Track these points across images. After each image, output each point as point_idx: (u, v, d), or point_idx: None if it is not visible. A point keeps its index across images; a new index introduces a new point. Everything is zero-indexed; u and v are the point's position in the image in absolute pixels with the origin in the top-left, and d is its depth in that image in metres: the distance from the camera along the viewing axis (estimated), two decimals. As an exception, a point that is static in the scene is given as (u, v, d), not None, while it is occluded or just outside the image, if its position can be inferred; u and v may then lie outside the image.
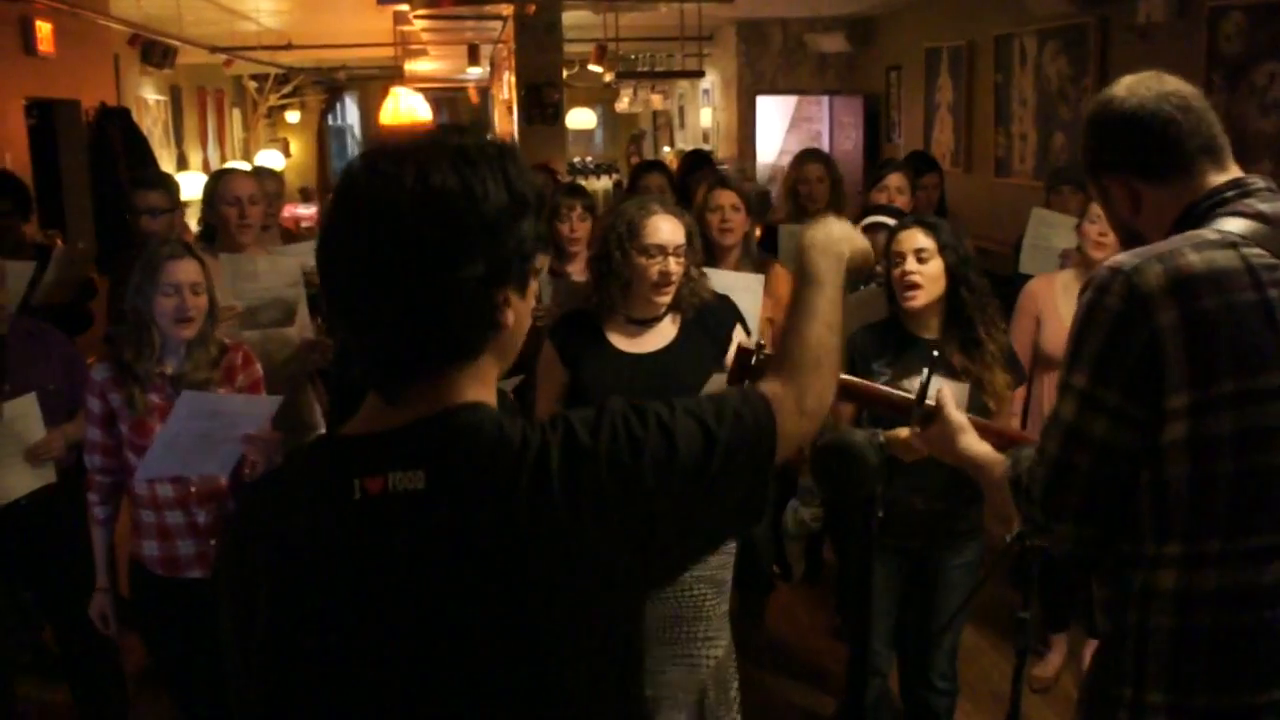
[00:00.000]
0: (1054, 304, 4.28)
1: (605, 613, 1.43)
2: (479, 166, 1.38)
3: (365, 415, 1.45)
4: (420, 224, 1.34)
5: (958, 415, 2.29)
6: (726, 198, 4.50)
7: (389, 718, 1.39)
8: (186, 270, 3.30)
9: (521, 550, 1.36)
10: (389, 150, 1.39)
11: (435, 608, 1.36)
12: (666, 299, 3.35)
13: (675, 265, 3.31)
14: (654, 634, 3.31)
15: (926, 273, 3.40)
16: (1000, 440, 2.28)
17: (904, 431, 2.41)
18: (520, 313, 1.45)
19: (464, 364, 1.42)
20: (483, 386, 1.45)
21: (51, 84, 8.30)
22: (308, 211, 12.51)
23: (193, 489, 3.33)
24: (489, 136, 1.45)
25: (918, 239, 3.42)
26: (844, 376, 2.48)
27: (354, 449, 1.42)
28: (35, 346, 3.94)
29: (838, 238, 1.80)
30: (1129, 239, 2.08)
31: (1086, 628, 4.55)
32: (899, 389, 3.27)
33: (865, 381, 2.57)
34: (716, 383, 3.39)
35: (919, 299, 3.41)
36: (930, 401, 2.30)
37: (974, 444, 2.26)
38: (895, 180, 5.21)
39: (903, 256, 3.42)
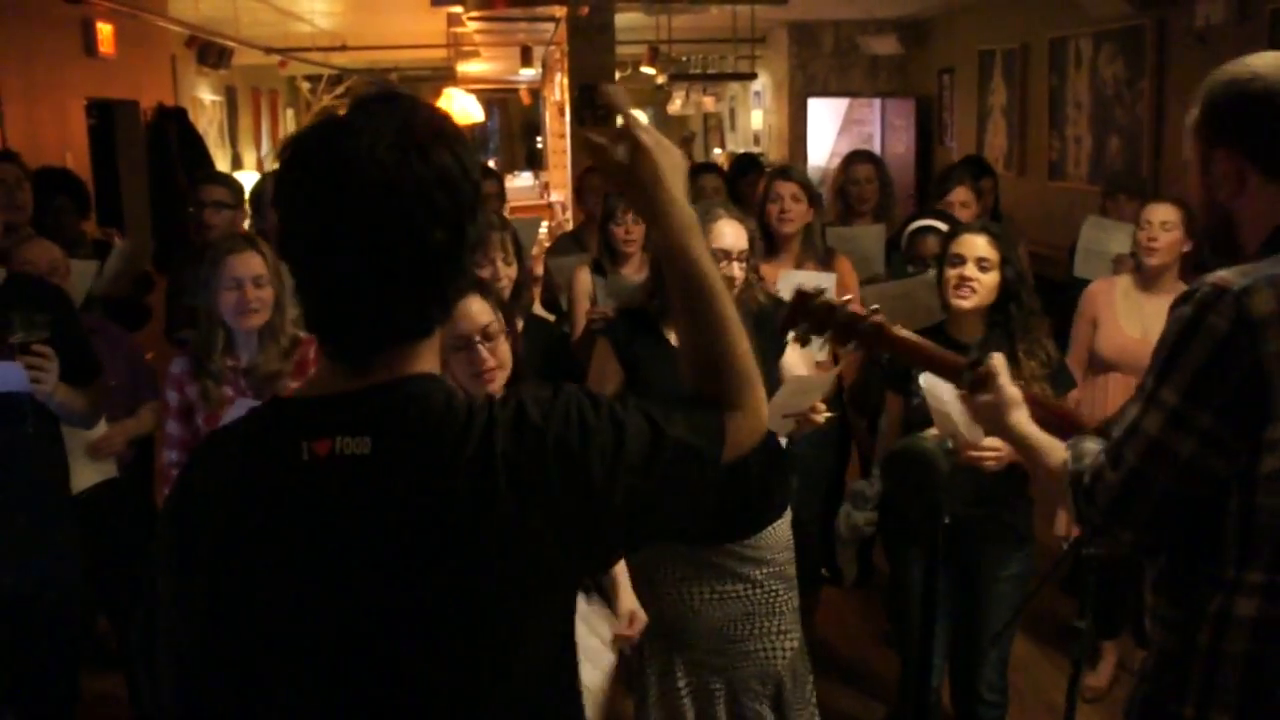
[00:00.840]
0: (1112, 309, 4.26)
1: (543, 595, 1.45)
2: (465, 146, 1.42)
3: (316, 379, 1.49)
4: (421, 198, 1.36)
5: (1011, 387, 2.22)
6: (787, 188, 4.47)
7: (326, 680, 1.41)
8: (248, 263, 3.31)
9: (460, 521, 1.38)
10: (369, 119, 1.38)
11: (375, 572, 1.38)
12: None
13: (738, 270, 3.33)
14: (728, 631, 3.35)
15: (984, 281, 3.39)
16: (1050, 418, 2.22)
17: (993, 443, 2.31)
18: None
19: (423, 337, 1.45)
20: (436, 361, 1.48)
21: (111, 84, 8.42)
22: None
23: None
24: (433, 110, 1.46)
25: (983, 247, 3.41)
26: (900, 332, 2.45)
27: (303, 411, 1.44)
28: (99, 343, 4.00)
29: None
30: (1212, 222, 2.00)
31: (1136, 638, 4.51)
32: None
33: (919, 339, 2.50)
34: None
35: (969, 301, 3.40)
36: (983, 369, 2.23)
37: (1025, 421, 2.19)
38: (961, 195, 5.16)
39: (963, 260, 3.40)
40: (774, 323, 3.47)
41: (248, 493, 1.42)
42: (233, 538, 1.41)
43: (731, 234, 3.33)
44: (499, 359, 2.81)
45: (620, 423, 1.45)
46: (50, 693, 3.61)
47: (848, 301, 2.55)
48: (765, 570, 3.38)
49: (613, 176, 1.54)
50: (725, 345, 1.56)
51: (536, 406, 1.44)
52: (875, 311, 2.47)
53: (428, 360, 1.47)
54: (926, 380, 2.86)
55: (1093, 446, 1.99)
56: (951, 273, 3.43)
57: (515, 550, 1.40)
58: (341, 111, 1.44)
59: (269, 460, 1.42)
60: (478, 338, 2.77)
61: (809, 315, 2.49)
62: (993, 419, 2.24)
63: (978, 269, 3.39)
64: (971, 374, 2.26)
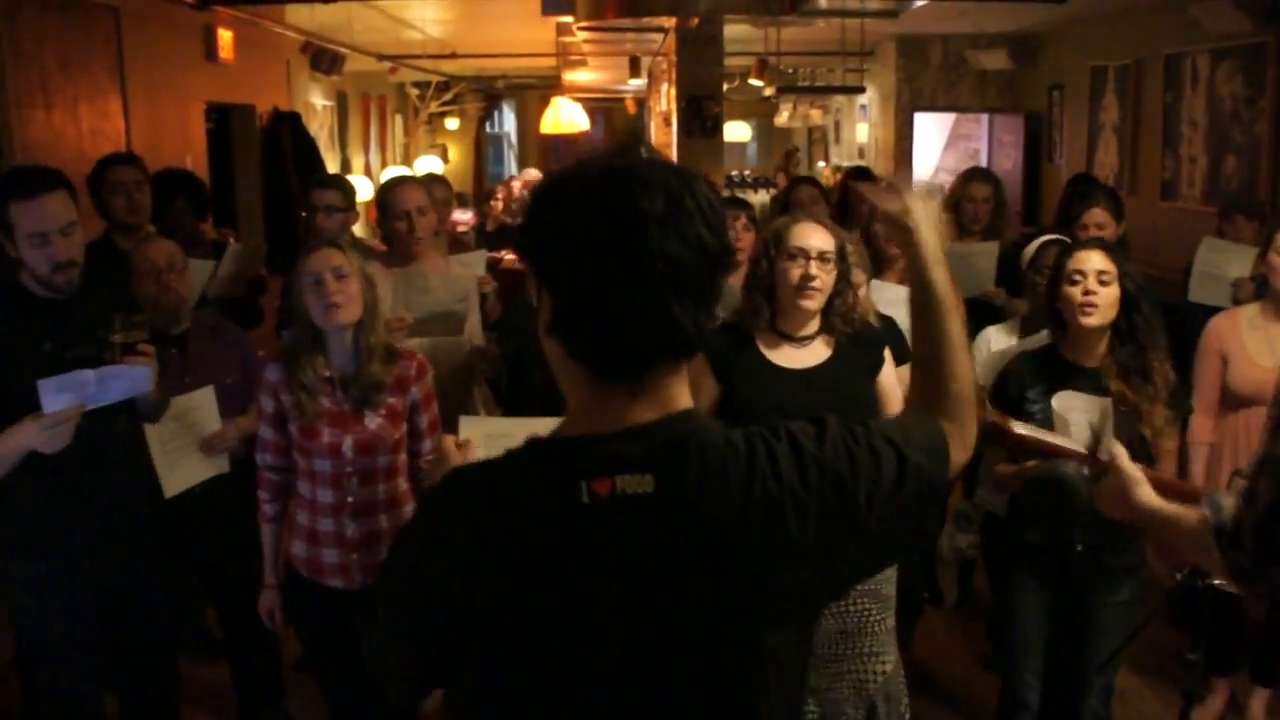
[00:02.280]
0: (1240, 341, 4.13)
1: (808, 623, 1.51)
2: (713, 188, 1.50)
3: (580, 418, 1.48)
4: (721, 223, 1.44)
5: (1132, 468, 2.24)
6: None
7: (604, 717, 1.43)
8: (325, 258, 3.25)
9: (753, 557, 1.41)
10: (650, 167, 1.44)
11: (659, 609, 1.40)
12: (810, 303, 3.32)
13: (818, 269, 3.29)
14: (821, 651, 3.32)
15: (1106, 296, 3.33)
16: (1173, 494, 2.21)
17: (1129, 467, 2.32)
18: None
19: (681, 365, 1.48)
20: (688, 394, 1.50)
21: (229, 89, 8.63)
22: (464, 217, 12.71)
23: (350, 499, 3.32)
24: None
25: (1100, 261, 3.35)
26: (1019, 430, 2.48)
27: (578, 451, 1.44)
28: (215, 341, 4.09)
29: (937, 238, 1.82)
30: None
31: (1253, 675, 4.39)
32: (1051, 418, 3.23)
33: (1034, 434, 2.53)
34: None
35: (1095, 317, 3.33)
36: (1103, 456, 2.27)
37: (1152, 496, 2.19)
38: (1097, 216, 4.90)
39: (1084, 275, 3.34)
40: (871, 341, 3.46)
41: (526, 536, 1.42)
42: (515, 582, 1.42)
43: (812, 234, 3.32)
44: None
45: (876, 450, 1.52)
46: (152, 681, 3.70)
47: None
48: (859, 588, 3.32)
49: (889, 221, 1.81)
50: (955, 362, 1.71)
51: (808, 440, 1.49)
52: (991, 412, 2.51)
53: (684, 394, 1.50)
54: (1060, 403, 2.86)
55: (1228, 500, 1.95)
56: (1073, 290, 3.35)
57: (796, 583, 1.45)
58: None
59: (545, 503, 1.43)
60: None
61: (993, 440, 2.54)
62: (1120, 502, 2.25)
63: (1098, 283, 3.33)
64: (1095, 465, 2.31)
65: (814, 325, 3.40)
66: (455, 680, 1.54)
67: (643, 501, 1.40)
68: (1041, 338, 3.67)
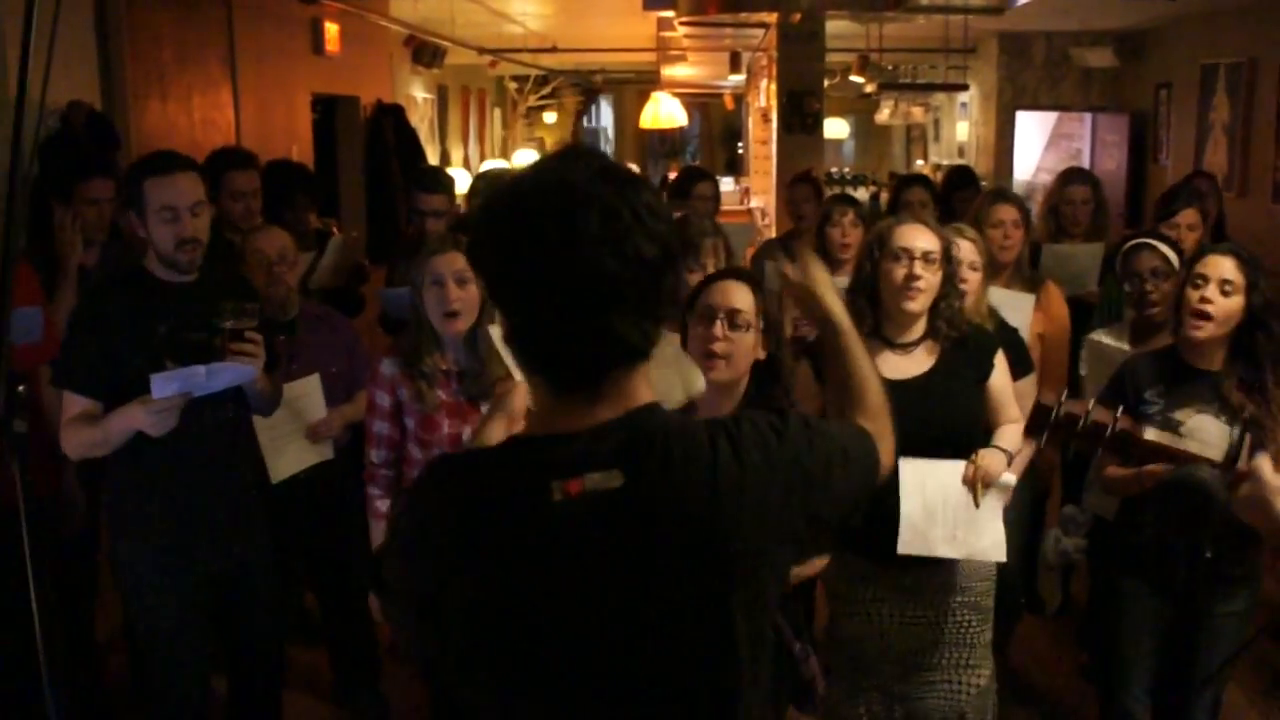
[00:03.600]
0: None
1: (771, 603, 1.55)
2: (654, 188, 1.53)
3: (546, 418, 1.51)
4: (636, 218, 1.43)
5: (1276, 478, 2.18)
6: (1008, 213, 4.34)
7: (584, 713, 1.46)
8: (450, 261, 3.30)
9: (720, 541, 1.45)
10: (588, 181, 1.44)
11: (635, 600, 1.43)
12: (913, 304, 3.24)
13: (923, 270, 3.22)
14: (915, 659, 3.28)
15: (1225, 306, 3.19)
16: None
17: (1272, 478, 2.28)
18: None
19: (639, 363, 1.50)
20: (649, 390, 1.53)
21: (335, 81, 8.77)
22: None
23: None
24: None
25: (1229, 269, 3.21)
26: (1149, 439, 2.44)
27: (546, 451, 1.47)
28: (321, 329, 4.16)
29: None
30: None
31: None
32: (1170, 419, 3.17)
33: (1165, 444, 2.48)
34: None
35: (1204, 330, 3.21)
36: (1243, 466, 2.23)
37: None
38: (1188, 218, 4.85)
39: (1206, 281, 3.20)
40: (980, 346, 3.40)
41: (498, 536, 1.45)
42: (489, 581, 1.45)
43: (916, 235, 3.25)
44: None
45: (828, 437, 1.64)
46: (260, 664, 3.77)
47: (1089, 413, 2.55)
48: (960, 599, 3.30)
49: (799, 295, 2.02)
50: (866, 379, 1.93)
51: (771, 423, 1.56)
52: (1119, 419, 2.46)
53: (644, 390, 1.52)
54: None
55: None
56: (1191, 294, 3.23)
57: (760, 563, 1.49)
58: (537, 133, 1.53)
59: (518, 501, 1.46)
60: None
61: (1051, 429, 2.51)
62: (1260, 508, 2.21)
63: (1219, 292, 3.19)
64: (1232, 473, 2.26)
65: (918, 330, 3.31)
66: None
67: (612, 497, 1.43)
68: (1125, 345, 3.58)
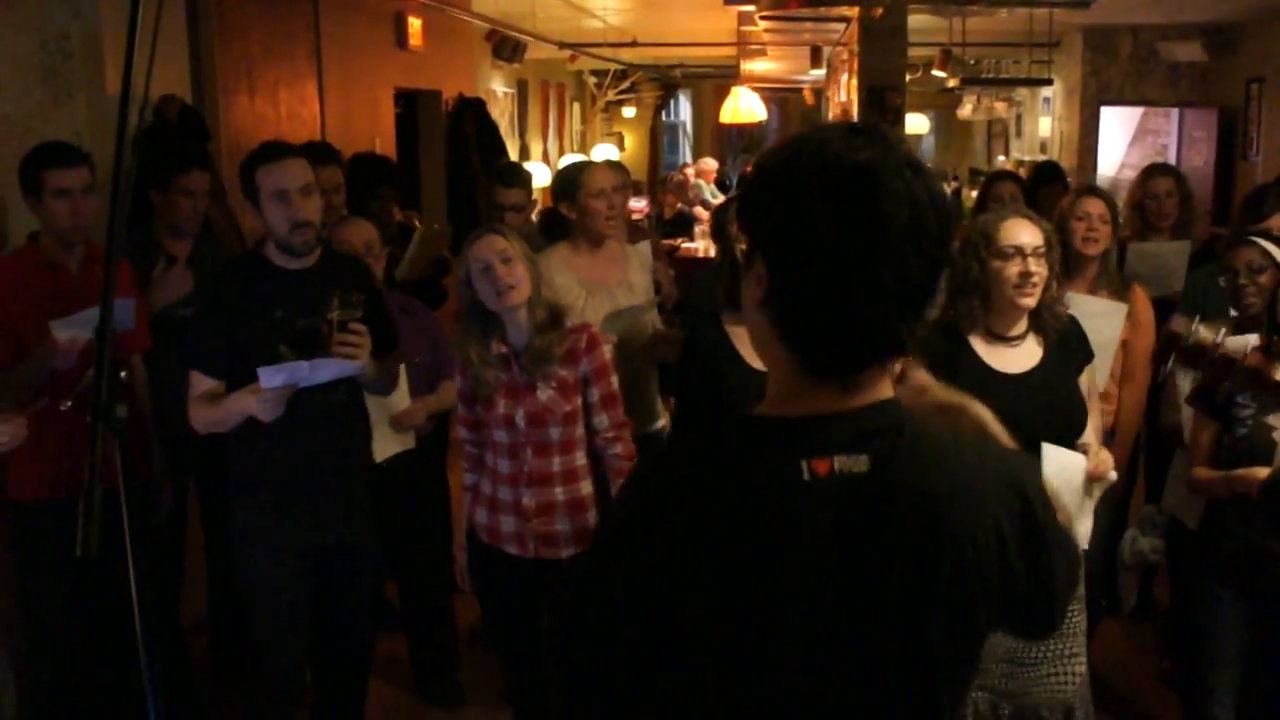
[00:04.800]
0: None
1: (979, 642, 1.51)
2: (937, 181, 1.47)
3: (789, 399, 1.48)
4: (936, 216, 1.41)
5: None
6: (1095, 206, 4.29)
7: (802, 691, 1.44)
8: (490, 244, 3.40)
9: (949, 540, 1.43)
10: (896, 168, 1.39)
11: (870, 587, 1.42)
12: (1030, 300, 3.23)
13: (1036, 266, 3.20)
14: (1020, 654, 3.25)
15: None
16: None
17: None
18: None
19: (900, 356, 1.49)
20: (892, 384, 1.50)
21: (417, 75, 8.85)
22: (639, 205, 12.85)
23: (525, 469, 3.46)
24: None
25: None
26: None
27: (798, 431, 1.45)
28: (405, 321, 4.23)
29: None
30: None
31: None
32: (1262, 423, 3.13)
33: None
34: None
35: None
36: None
37: None
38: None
39: None
40: (1077, 339, 3.37)
41: (745, 511, 1.43)
42: (734, 557, 1.42)
43: (1024, 230, 3.23)
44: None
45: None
46: (350, 647, 3.83)
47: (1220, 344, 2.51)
48: None
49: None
50: None
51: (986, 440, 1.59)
52: (1251, 353, 2.43)
53: (890, 385, 1.50)
54: None
55: None
56: None
57: (981, 581, 1.47)
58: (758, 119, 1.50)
59: (767, 479, 1.43)
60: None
61: (1182, 355, 2.47)
62: None
63: None
64: None
65: (1024, 323, 3.31)
66: (644, 683, 1.50)
67: (858, 481, 1.41)
68: (1245, 341, 3.52)
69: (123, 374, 2.14)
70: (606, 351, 3.54)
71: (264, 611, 3.62)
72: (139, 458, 3.94)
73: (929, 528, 1.42)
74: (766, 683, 1.44)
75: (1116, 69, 11.92)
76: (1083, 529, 3.24)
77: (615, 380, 3.54)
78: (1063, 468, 3.14)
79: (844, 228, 1.37)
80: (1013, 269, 3.20)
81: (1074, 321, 3.41)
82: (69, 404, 3.30)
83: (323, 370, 3.29)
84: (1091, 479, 3.22)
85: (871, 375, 1.46)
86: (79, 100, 4.48)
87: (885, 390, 1.48)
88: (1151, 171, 5.40)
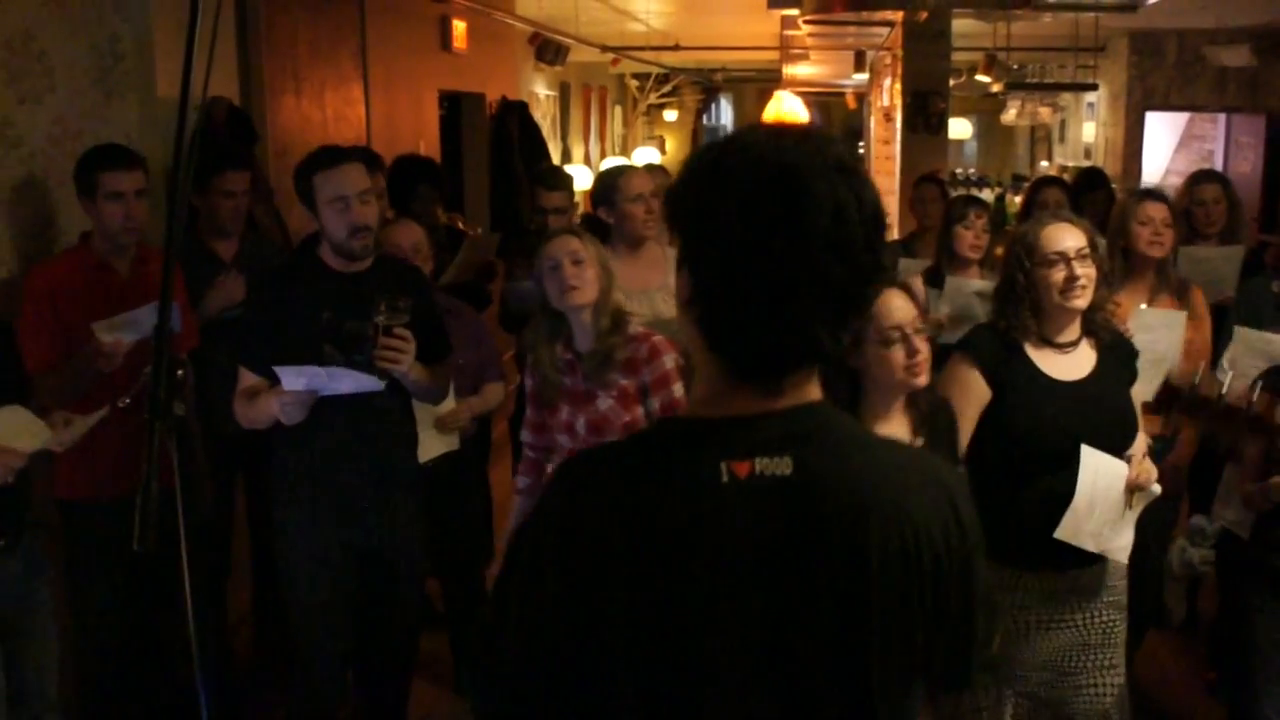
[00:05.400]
0: None
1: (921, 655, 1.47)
2: (871, 185, 1.43)
3: (714, 400, 1.46)
4: (862, 222, 1.38)
5: None
6: (1158, 210, 4.22)
7: (728, 697, 1.42)
8: (564, 244, 3.43)
9: (869, 547, 1.40)
10: (821, 169, 1.37)
11: (793, 590, 1.40)
12: (1081, 301, 3.21)
13: (1081, 269, 3.18)
14: (1061, 662, 3.25)
15: None
16: None
17: None
18: None
19: (826, 361, 1.46)
20: (819, 388, 1.49)
21: (461, 78, 8.90)
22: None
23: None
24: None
25: None
26: None
27: (717, 432, 1.44)
28: (451, 324, 4.24)
29: None
30: None
31: None
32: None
33: None
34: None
35: None
36: None
37: None
38: None
39: None
40: (1126, 350, 3.35)
41: (661, 513, 1.41)
42: (647, 558, 1.41)
43: (1064, 234, 3.22)
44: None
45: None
46: (394, 648, 3.85)
47: (1222, 396, 2.49)
48: (1107, 598, 3.27)
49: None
50: None
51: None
52: (1257, 400, 2.40)
53: (818, 388, 1.48)
54: None
55: None
56: None
57: (910, 579, 1.44)
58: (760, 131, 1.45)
59: (684, 480, 1.42)
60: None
61: (1181, 405, 2.46)
62: None
63: None
64: None
65: (1076, 329, 3.28)
66: (567, 693, 1.49)
67: (780, 483, 1.40)
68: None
69: (179, 372, 2.16)
70: (668, 361, 3.48)
71: (303, 610, 3.63)
72: (187, 456, 3.97)
73: (854, 528, 1.40)
74: (694, 693, 1.42)
75: (1162, 74, 11.82)
76: (1123, 541, 3.22)
77: (679, 389, 3.45)
78: (1100, 474, 3.12)
79: (760, 231, 1.36)
80: (1058, 274, 3.19)
81: (1125, 338, 3.39)
82: (127, 401, 3.33)
83: (341, 381, 3.28)
84: (1132, 489, 3.21)
85: (797, 379, 1.44)
86: (130, 102, 4.52)
87: (813, 393, 1.46)
88: (1198, 178, 5.34)
